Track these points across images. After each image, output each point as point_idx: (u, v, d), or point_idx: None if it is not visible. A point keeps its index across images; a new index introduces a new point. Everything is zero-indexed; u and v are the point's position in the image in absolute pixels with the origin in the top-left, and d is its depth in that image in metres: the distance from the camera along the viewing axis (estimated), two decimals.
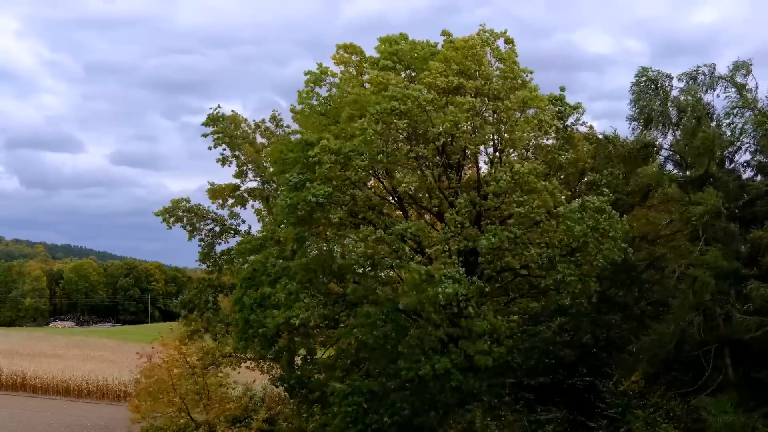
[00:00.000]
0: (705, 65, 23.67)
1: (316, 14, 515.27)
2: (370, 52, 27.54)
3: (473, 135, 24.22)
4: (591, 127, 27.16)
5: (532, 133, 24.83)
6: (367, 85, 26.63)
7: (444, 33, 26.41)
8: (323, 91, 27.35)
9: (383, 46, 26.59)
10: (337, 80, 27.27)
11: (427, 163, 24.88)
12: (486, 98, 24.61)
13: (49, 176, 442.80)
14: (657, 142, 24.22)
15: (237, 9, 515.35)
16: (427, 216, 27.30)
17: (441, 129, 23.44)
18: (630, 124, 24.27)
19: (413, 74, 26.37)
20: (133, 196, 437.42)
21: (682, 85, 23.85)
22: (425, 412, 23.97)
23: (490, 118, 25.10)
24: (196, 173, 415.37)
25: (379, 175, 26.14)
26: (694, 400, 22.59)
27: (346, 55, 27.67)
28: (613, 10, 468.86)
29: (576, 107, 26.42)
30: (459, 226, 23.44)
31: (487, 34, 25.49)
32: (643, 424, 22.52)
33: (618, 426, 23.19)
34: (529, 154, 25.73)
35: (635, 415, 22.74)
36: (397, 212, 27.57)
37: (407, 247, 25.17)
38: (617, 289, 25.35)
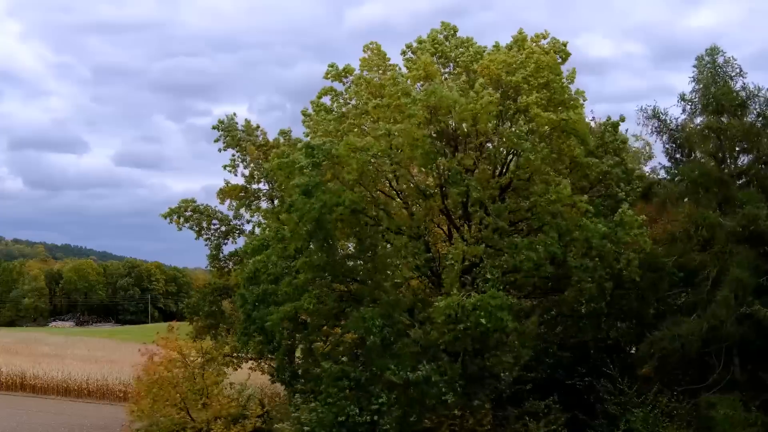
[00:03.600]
0: None
1: (321, 19, 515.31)
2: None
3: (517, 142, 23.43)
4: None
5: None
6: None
7: (519, 31, 25.97)
8: (340, 86, 27.05)
9: (429, 40, 26.51)
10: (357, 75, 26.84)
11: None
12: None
13: (53, 177, 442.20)
14: (705, 131, 23.00)
15: (244, 13, 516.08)
16: (436, 220, 26.97)
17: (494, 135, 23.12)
18: (679, 102, 23.33)
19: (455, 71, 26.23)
20: (135, 196, 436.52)
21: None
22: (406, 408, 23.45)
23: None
24: (199, 174, 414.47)
25: (386, 174, 25.78)
26: (700, 398, 22.42)
27: (369, 56, 27.36)
28: (613, 15, 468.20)
29: (623, 139, 26.57)
30: (477, 232, 23.07)
31: (561, 46, 25.20)
32: (643, 422, 22.34)
33: (618, 424, 23.02)
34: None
35: (635, 414, 22.55)
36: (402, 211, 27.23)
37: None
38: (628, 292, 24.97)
